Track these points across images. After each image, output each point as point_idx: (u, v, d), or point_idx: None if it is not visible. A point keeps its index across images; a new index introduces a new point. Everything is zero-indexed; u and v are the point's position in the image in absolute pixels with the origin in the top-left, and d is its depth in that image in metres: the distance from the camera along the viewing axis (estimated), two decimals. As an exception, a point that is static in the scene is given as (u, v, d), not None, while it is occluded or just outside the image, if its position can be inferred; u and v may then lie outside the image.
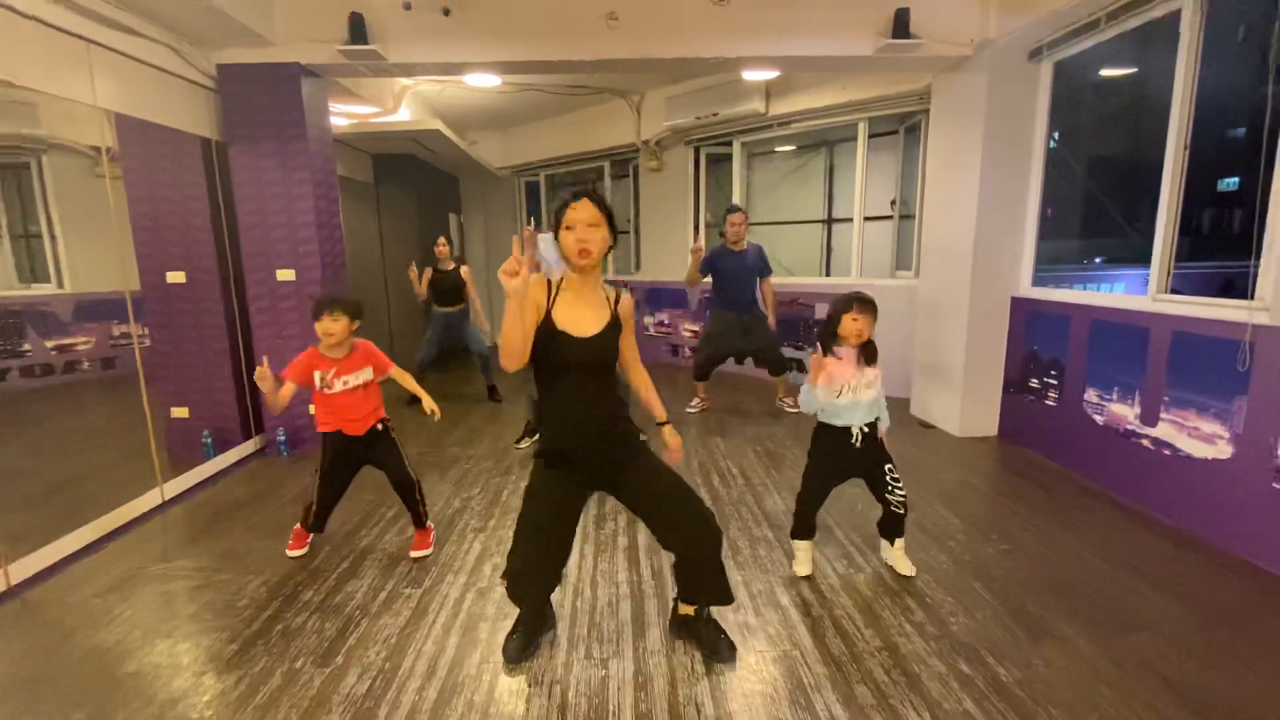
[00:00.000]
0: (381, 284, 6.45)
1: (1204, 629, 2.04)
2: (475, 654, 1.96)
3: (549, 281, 1.70)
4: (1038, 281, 3.86)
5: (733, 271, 4.58)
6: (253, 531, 2.86)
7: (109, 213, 3.54)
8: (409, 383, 2.66)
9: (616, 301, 1.79)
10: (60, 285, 5.01)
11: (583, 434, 1.74)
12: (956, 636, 2.01)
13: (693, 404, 4.83)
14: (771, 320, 4.66)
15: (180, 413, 3.92)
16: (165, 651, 2.00)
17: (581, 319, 1.70)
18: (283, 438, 3.91)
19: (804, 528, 2.40)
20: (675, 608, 2.01)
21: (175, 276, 3.77)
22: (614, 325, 1.75)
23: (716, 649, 1.89)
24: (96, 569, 2.56)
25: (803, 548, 2.41)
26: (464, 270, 5.16)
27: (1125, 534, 2.72)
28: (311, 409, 2.57)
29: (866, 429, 2.32)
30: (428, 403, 2.63)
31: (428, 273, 5.13)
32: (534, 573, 1.83)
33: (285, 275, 3.82)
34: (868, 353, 2.32)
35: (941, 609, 2.16)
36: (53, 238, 4.46)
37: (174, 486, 3.34)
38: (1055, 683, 1.79)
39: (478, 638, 2.04)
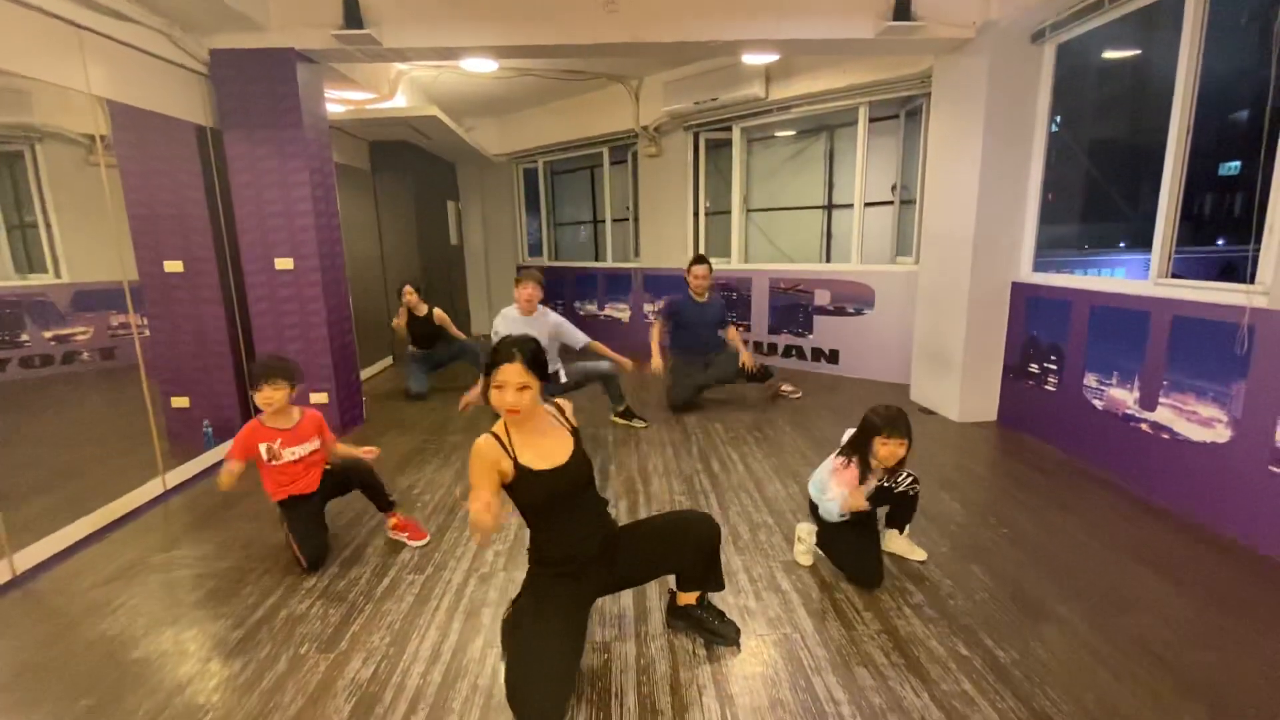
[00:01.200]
0: (380, 273, 6.43)
1: (1200, 611, 2.06)
2: (479, 639, 1.98)
3: (495, 437, 1.66)
4: (1039, 267, 3.85)
5: (694, 323, 4.45)
6: (255, 520, 2.88)
7: (104, 202, 3.52)
8: (348, 451, 2.64)
9: (564, 416, 1.81)
10: (58, 275, 5.00)
11: (586, 548, 1.74)
12: (955, 619, 2.03)
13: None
14: (748, 358, 4.43)
15: (180, 402, 3.92)
16: (170, 639, 2.02)
17: (546, 451, 1.69)
18: (283, 426, 3.92)
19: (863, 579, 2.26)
20: (672, 598, 1.99)
21: (173, 265, 3.75)
22: (578, 439, 1.77)
23: (722, 632, 1.90)
24: (100, 558, 2.57)
25: (806, 531, 2.40)
26: (438, 314, 5.10)
27: (1123, 517, 2.73)
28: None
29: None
30: (366, 450, 2.66)
31: (403, 313, 5.13)
32: (555, 691, 1.57)
33: (284, 264, 3.81)
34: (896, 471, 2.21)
35: (940, 592, 2.18)
36: (48, 227, 4.44)
37: (175, 476, 3.35)
38: (1052, 664, 1.81)
39: (480, 623, 2.06)
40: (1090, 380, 3.30)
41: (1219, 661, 1.81)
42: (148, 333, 3.87)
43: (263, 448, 2.41)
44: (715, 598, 2.02)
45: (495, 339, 3.62)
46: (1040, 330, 3.68)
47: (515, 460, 1.64)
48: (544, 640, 1.62)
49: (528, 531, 1.78)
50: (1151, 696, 1.68)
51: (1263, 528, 2.42)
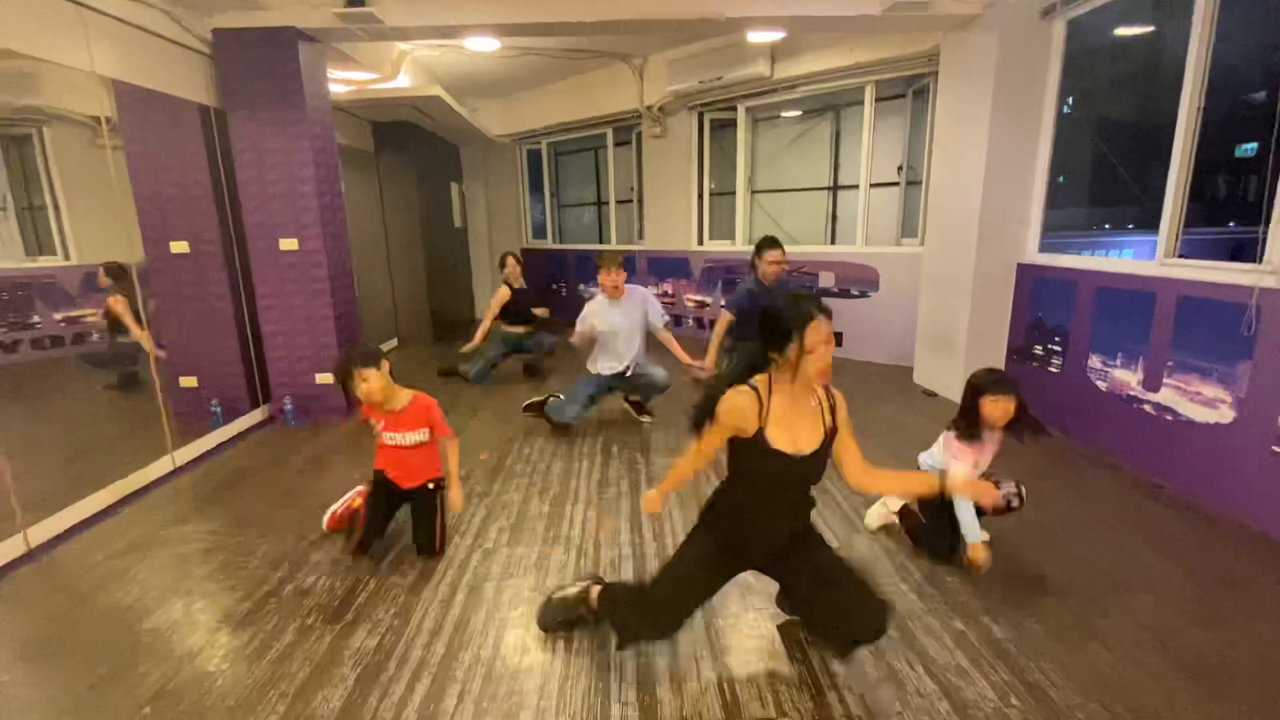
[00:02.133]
0: (383, 253, 6.44)
1: (1200, 591, 2.07)
2: (481, 611, 2.01)
3: (756, 393, 1.50)
4: (1046, 248, 3.82)
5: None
6: (263, 497, 2.92)
7: (111, 183, 3.54)
8: (453, 460, 2.44)
9: (832, 406, 1.60)
10: (66, 257, 5.03)
11: (771, 541, 1.66)
12: (953, 596, 2.05)
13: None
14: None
15: (189, 382, 3.96)
16: (181, 610, 2.07)
17: (797, 433, 1.53)
18: (290, 407, 3.96)
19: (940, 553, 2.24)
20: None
21: (179, 246, 3.77)
22: (830, 435, 1.58)
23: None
24: (112, 532, 2.63)
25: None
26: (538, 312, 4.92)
27: (1125, 499, 2.74)
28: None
29: None
30: (454, 496, 2.41)
31: (503, 294, 4.78)
32: (665, 622, 1.66)
33: (288, 244, 3.82)
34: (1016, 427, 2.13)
35: (938, 571, 2.19)
36: (57, 210, 4.47)
37: (185, 454, 3.39)
38: (1048, 640, 1.83)
39: (484, 596, 2.09)
40: (1094, 362, 3.28)
41: (1217, 640, 1.82)
42: (155, 313, 3.90)
43: (372, 420, 2.38)
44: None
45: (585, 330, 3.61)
46: (1045, 312, 3.66)
47: (762, 428, 1.50)
48: (689, 565, 1.68)
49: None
50: (1147, 673, 1.70)
51: (1265, 509, 2.43)
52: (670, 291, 6.76)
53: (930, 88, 4.73)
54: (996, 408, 2.07)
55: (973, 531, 2.09)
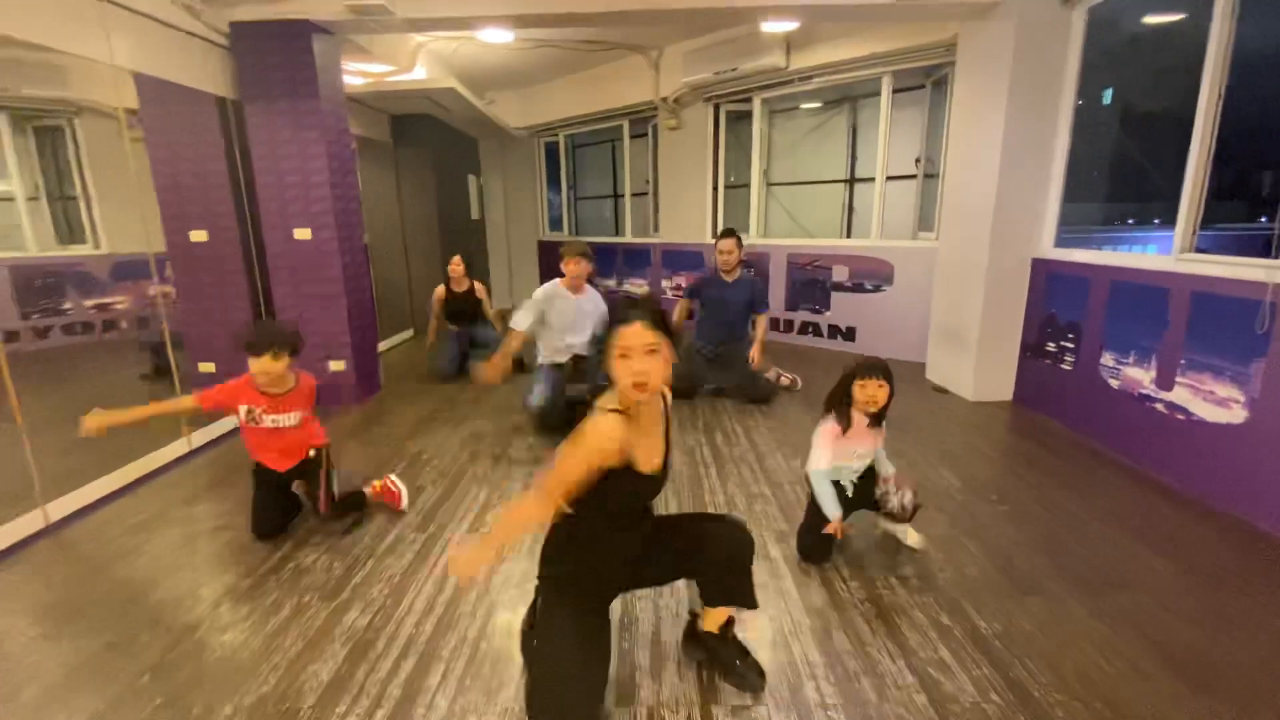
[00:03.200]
0: (400, 245, 6.53)
1: (1198, 591, 2.02)
2: (472, 594, 2.05)
3: (619, 414, 1.35)
4: (1064, 243, 3.72)
5: (718, 303, 4.16)
6: (272, 479, 3.00)
7: (135, 174, 3.66)
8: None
9: (666, 413, 1.52)
10: (96, 246, 5.21)
11: (626, 561, 1.56)
12: (942, 590, 2.03)
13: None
14: (756, 356, 4.07)
15: (207, 368, 4.08)
16: (187, 584, 2.14)
17: (649, 449, 1.43)
18: (303, 392, 4.05)
19: (806, 552, 2.21)
20: (692, 623, 1.75)
21: (198, 235, 3.88)
22: (668, 438, 1.52)
23: (742, 674, 1.62)
24: (126, 510, 2.73)
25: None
26: (478, 288, 5.00)
27: (1130, 498, 2.68)
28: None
29: (858, 480, 2.24)
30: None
31: (439, 293, 4.93)
32: (587, 704, 1.45)
33: (302, 234, 3.90)
34: (878, 418, 2.18)
35: (930, 564, 2.18)
36: (87, 199, 4.63)
37: (200, 436, 3.50)
38: (1035, 636, 1.81)
39: (474, 580, 2.13)
40: (1107, 359, 3.21)
41: (1210, 640, 1.79)
42: (176, 301, 4.03)
43: (243, 409, 2.33)
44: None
45: (520, 318, 3.49)
46: (1059, 308, 3.58)
47: (628, 457, 1.36)
48: (570, 649, 1.43)
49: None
50: (1133, 670, 1.67)
51: (1274, 509, 2.36)
52: (684, 285, 6.74)
53: (949, 78, 4.64)
54: (866, 393, 2.10)
55: (831, 509, 2.11)
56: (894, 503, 2.17)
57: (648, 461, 1.42)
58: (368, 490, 2.62)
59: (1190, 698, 1.57)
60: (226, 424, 3.72)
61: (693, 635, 1.73)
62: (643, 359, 1.30)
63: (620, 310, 1.35)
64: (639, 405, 1.38)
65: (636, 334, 1.30)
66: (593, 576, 1.54)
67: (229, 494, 2.86)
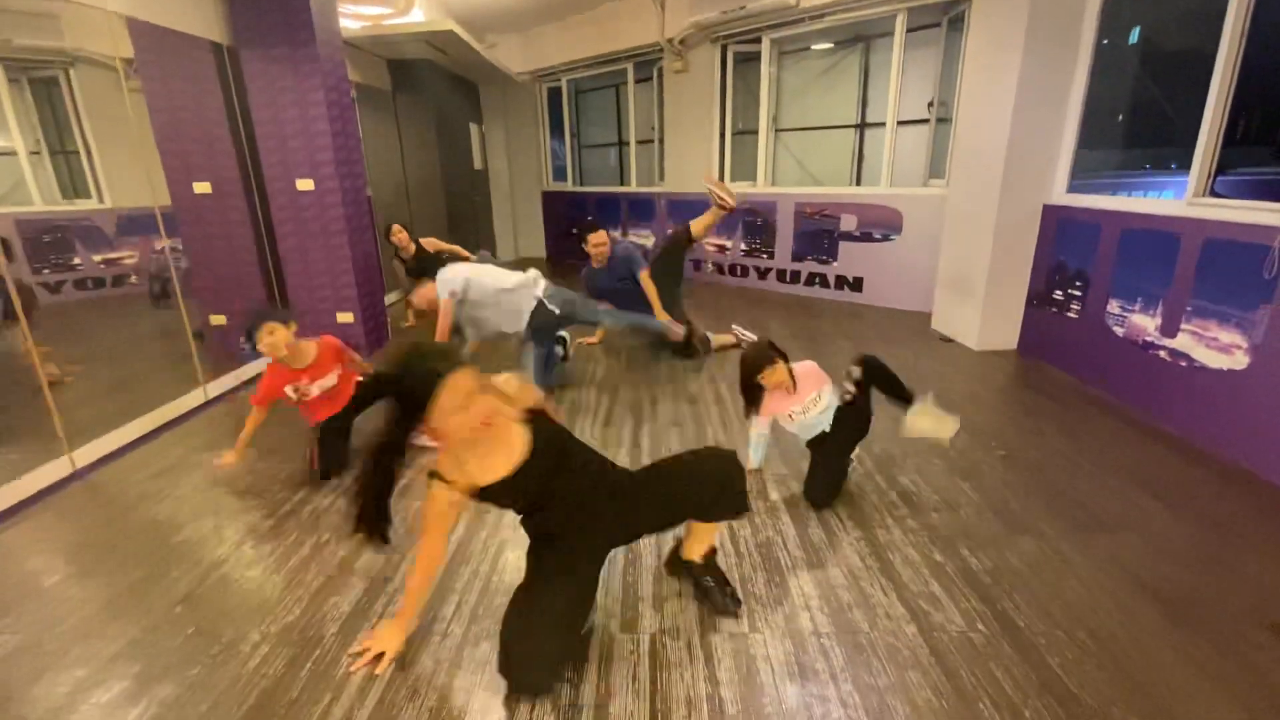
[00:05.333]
0: (404, 196, 6.47)
1: (1189, 534, 2.07)
2: (484, 531, 2.14)
3: (441, 479, 1.43)
4: (1079, 189, 3.64)
5: (607, 290, 3.98)
6: (287, 427, 3.07)
7: (135, 126, 3.63)
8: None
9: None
10: (101, 200, 5.20)
11: (590, 510, 1.57)
12: (936, 530, 2.10)
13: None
14: (659, 313, 3.86)
15: (219, 320, 4.14)
16: (211, 524, 2.25)
17: (499, 459, 1.45)
18: (313, 344, 4.11)
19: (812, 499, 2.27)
20: (676, 548, 1.83)
21: (202, 187, 3.87)
22: (536, 423, 1.52)
23: (722, 602, 1.71)
24: (149, 456, 2.83)
25: None
26: (428, 244, 4.92)
27: (1130, 444, 2.72)
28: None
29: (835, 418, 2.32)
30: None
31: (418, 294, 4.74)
32: (551, 652, 1.46)
33: (304, 185, 3.88)
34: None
35: (925, 505, 2.24)
36: (88, 152, 4.60)
37: (216, 387, 3.58)
38: (1024, 573, 1.88)
39: (486, 519, 2.22)
40: (1113, 307, 3.19)
41: (1196, 579, 1.84)
42: (183, 254, 4.05)
43: (289, 390, 2.47)
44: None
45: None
46: (1068, 255, 3.54)
47: (474, 493, 1.45)
48: (543, 596, 1.47)
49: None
50: (1116, 604, 1.74)
51: (1273, 455, 2.39)
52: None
53: (965, 15, 4.46)
54: (773, 380, 2.21)
55: (756, 456, 2.43)
56: (845, 384, 2.30)
57: (490, 474, 1.44)
58: None
59: (1171, 631, 1.64)
60: (242, 374, 3.80)
61: (675, 560, 1.82)
62: (475, 404, 1.34)
63: (426, 382, 1.31)
64: (479, 437, 1.41)
65: (456, 388, 1.31)
66: (572, 530, 1.57)
67: (246, 441, 2.95)
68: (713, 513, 1.67)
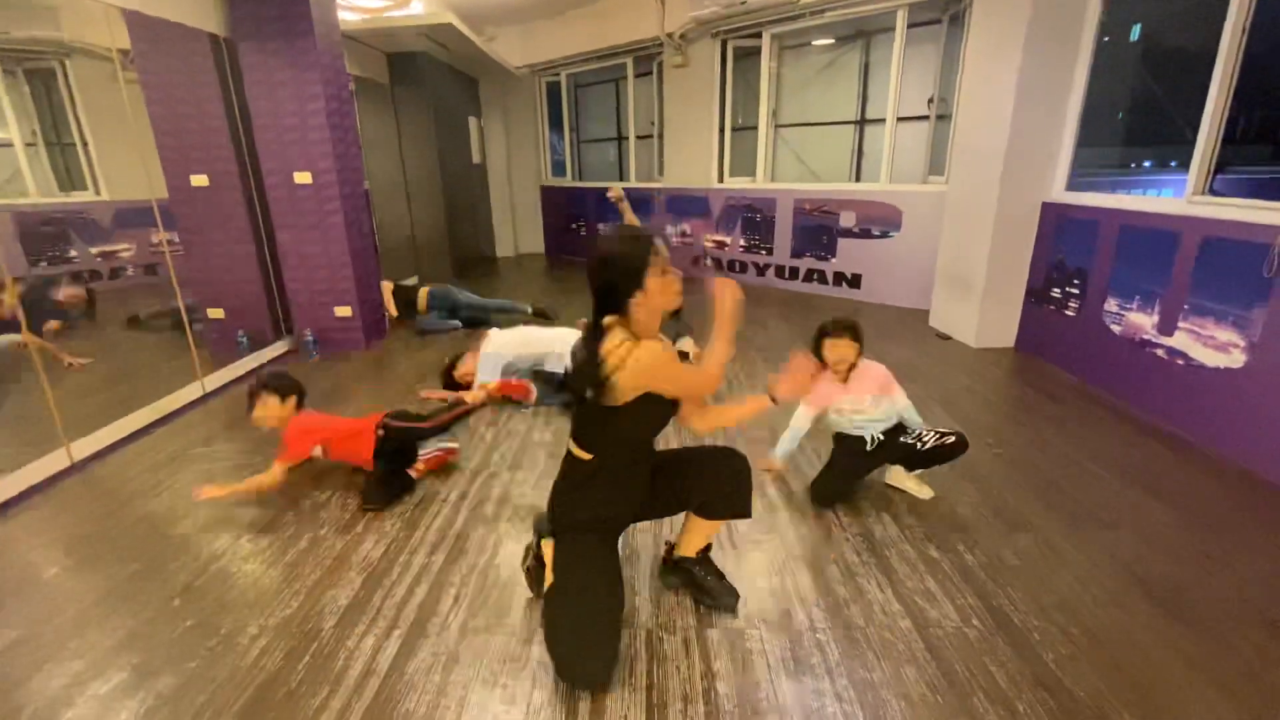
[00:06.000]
0: (402, 190, 6.45)
1: (1186, 531, 2.08)
2: (481, 527, 2.14)
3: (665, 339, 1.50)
4: (1078, 187, 3.64)
5: None
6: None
7: (132, 118, 3.61)
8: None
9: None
10: (97, 193, 5.18)
11: (640, 492, 1.64)
12: (933, 527, 2.10)
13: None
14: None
15: (216, 314, 4.13)
16: (208, 518, 2.25)
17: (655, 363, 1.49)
18: (312, 338, 4.10)
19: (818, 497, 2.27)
20: (669, 551, 1.83)
21: (199, 180, 3.85)
22: None
23: (717, 594, 1.72)
24: (147, 450, 2.83)
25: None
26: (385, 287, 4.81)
27: (1126, 442, 2.73)
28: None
29: (883, 436, 2.26)
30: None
31: (388, 287, 4.78)
32: (607, 652, 1.50)
33: (302, 178, 3.87)
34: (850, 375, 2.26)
35: (922, 503, 2.25)
36: (85, 145, 4.58)
37: (213, 381, 3.58)
38: (1020, 569, 1.89)
39: (484, 514, 2.22)
40: (1111, 305, 3.20)
41: (1191, 576, 1.85)
42: (181, 248, 4.03)
43: (315, 450, 2.36)
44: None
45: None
46: (1067, 253, 3.55)
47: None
48: (591, 598, 1.50)
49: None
50: (1112, 601, 1.75)
51: (1267, 454, 2.40)
52: (689, 231, 6.67)
53: (966, 12, 4.45)
54: (836, 352, 2.20)
55: (782, 451, 2.38)
56: (928, 439, 2.24)
57: (648, 372, 1.48)
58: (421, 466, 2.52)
59: (1165, 626, 1.65)
60: (239, 368, 3.79)
61: (669, 564, 1.81)
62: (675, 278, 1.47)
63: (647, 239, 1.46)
64: (651, 337, 1.48)
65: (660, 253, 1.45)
66: (609, 515, 1.62)
67: (244, 434, 2.94)
68: (718, 509, 1.68)
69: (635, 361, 1.40)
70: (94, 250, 5.15)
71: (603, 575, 1.55)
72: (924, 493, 2.29)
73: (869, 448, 2.26)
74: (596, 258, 1.46)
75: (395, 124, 6.29)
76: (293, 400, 2.42)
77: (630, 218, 4.43)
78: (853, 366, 2.23)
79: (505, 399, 3.13)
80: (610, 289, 1.44)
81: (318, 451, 2.40)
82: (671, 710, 1.42)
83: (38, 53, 4.20)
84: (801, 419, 2.34)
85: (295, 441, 2.33)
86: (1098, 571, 1.87)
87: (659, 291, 1.45)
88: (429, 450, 2.52)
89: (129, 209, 5.02)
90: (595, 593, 1.52)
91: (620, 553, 1.75)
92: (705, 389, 1.61)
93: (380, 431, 2.39)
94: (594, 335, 1.46)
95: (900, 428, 2.30)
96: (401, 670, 1.54)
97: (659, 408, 1.52)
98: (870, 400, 2.25)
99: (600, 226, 7.66)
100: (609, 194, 4.50)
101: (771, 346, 4.11)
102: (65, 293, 4.25)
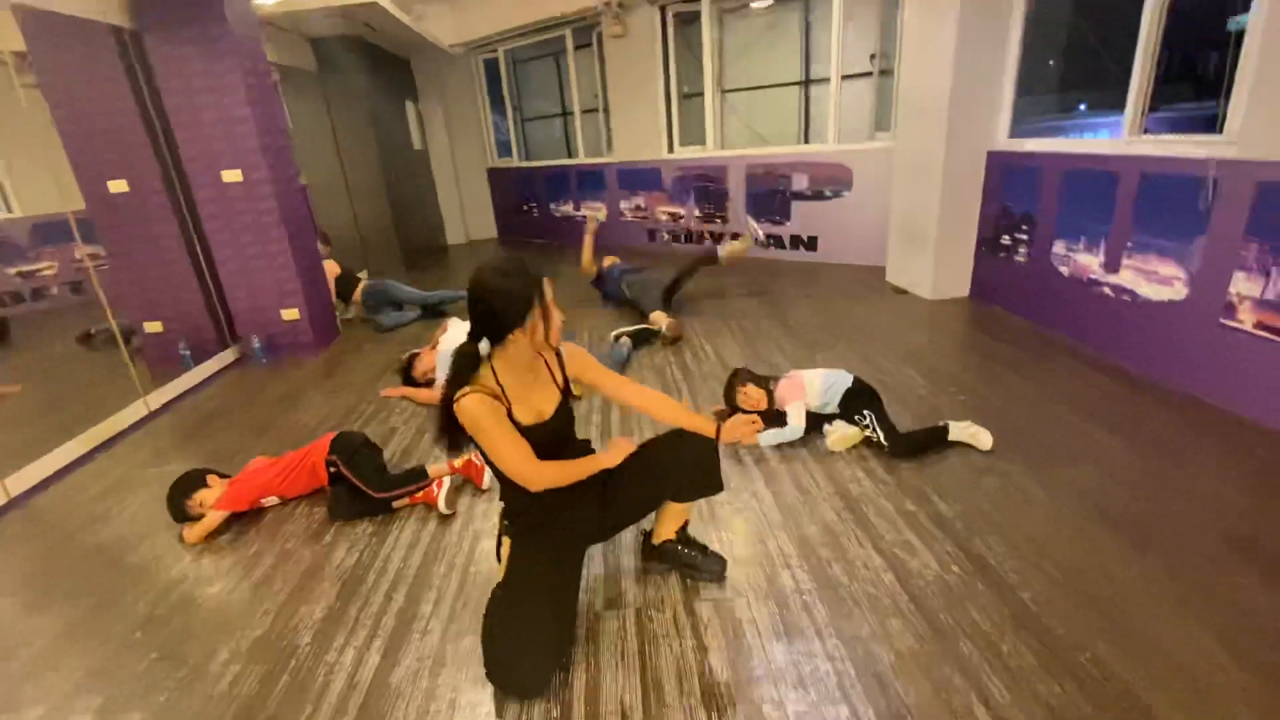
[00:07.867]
0: (342, 183, 6.19)
1: (1142, 461, 2.16)
2: (456, 524, 2.09)
3: (485, 391, 1.41)
4: (1021, 134, 3.70)
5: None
6: (239, 432, 2.95)
7: (35, 125, 3.33)
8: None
9: (561, 365, 1.58)
10: (9, 210, 4.80)
11: (585, 504, 1.61)
12: (905, 480, 2.14)
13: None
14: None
15: (154, 327, 3.90)
16: (165, 542, 2.13)
17: (535, 403, 1.51)
18: (258, 345, 3.92)
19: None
20: (647, 539, 1.80)
21: (118, 185, 3.59)
22: (565, 394, 1.59)
23: (706, 567, 1.72)
24: (91, 476, 2.67)
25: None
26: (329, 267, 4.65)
27: (1082, 380, 2.82)
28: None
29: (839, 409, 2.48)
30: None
31: (332, 267, 4.65)
32: (539, 659, 1.40)
33: (231, 176, 3.65)
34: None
35: (893, 459, 2.28)
36: (-14, 158, 4.23)
37: (158, 398, 3.39)
38: (992, 513, 1.93)
39: (456, 513, 2.17)
40: (1058, 248, 3.28)
41: (1151, 504, 1.93)
42: (106, 260, 3.78)
43: (267, 501, 2.26)
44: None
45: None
46: (1013, 200, 3.61)
47: (509, 412, 1.45)
48: (527, 602, 1.44)
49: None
50: (1080, 535, 1.81)
51: (1212, 380, 2.51)
52: (643, 205, 6.59)
53: (901, -36, 4.43)
54: (748, 399, 2.55)
55: (771, 440, 2.44)
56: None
57: (533, 413, 1.50)
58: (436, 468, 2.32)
59: (1132, 556, 1.71)
60: (184, 382, 3.60)
61: (650, 550, 1.78)
62: (556, 316, 1.46)
63: (529, 273, 1.42)
64: (526, 361, 1.49)
65: (551, 292, 1.45)
66: (558, 521, 1.58)
67: (197, 450, 2.81)
68: (689, 493, 1.67)
69: (459, 411, 1.40)
70: (12, 271, 4.80)
71: (544, 584, 1.48)
72: (983, 442, 2.28)
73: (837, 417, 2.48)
74: (481, 288, 1.38)
75: (328, 114, 6.00)
76: (213, 477, 2.23)
77: (588, 246, 4.44)
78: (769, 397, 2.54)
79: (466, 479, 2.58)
80: (489, 320, 1.41)
81: (272, 500, 2.27)
82: (668, 687, 1.41)
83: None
84: (795, 419, 2.44)
85: (238, 496, 2.20)
86: (1066, 509, 1.94)
87: (539, 331, 1.42)
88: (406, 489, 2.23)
89: (47, 224, 4.68)
90: (534, 599, 1.45)
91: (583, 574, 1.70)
92: (515, 471, 1.46)
93: (331, 469, 2.25)
94: (464, 363, 1.43)
95: (850, 394, 2.46)
96: (386, 680, 1.50)
97: (532, 434, 1.47)
98: (803, 401, 2.48)
99: (551, 206, 7.51)
100: (587, 219, 4.64)
101: (736, 315, 4.10)
102: None
